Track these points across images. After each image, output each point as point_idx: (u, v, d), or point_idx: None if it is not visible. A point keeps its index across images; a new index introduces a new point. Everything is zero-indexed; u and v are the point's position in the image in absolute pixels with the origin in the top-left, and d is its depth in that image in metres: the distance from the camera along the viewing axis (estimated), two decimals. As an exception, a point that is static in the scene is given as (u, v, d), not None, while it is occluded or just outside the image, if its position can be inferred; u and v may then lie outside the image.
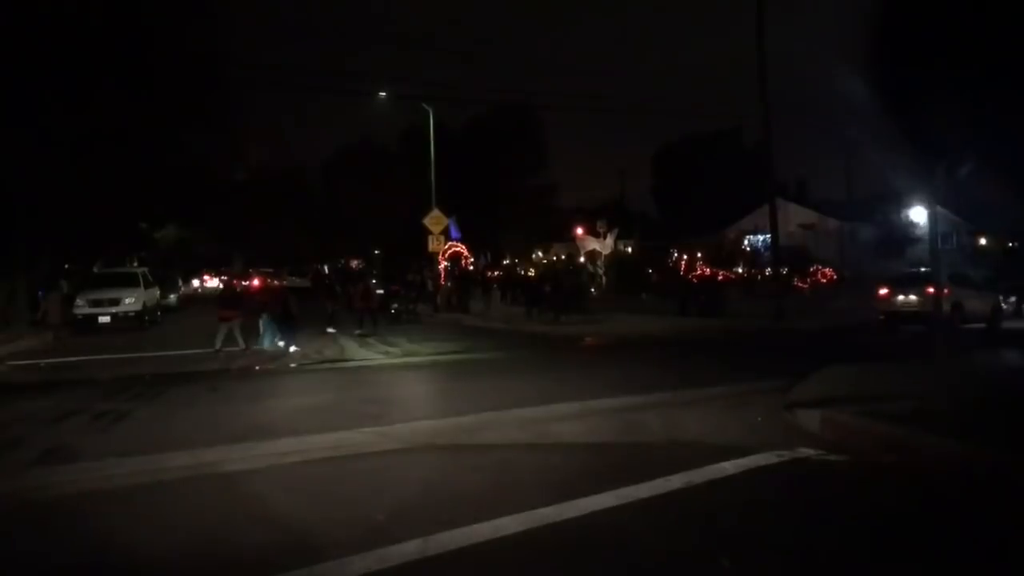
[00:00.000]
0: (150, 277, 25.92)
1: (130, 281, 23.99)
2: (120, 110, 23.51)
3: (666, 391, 10.11)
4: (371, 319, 21.11)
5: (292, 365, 14.46)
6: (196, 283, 42.79)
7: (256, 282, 24.15)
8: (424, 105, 28.72)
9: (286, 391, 10.96)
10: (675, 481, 5.39)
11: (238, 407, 9.46)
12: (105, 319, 22.39)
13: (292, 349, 16.10)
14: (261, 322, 16.79)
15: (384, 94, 27.61)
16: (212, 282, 41.85)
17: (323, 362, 15.23)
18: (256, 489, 5.71)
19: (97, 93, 23.09)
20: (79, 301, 22.55)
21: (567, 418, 8.36)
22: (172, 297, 31.95)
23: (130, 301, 22.81)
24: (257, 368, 14.02)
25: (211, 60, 25.08)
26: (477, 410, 8.78)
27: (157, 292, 26.29)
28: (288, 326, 16.55)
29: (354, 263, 58.10)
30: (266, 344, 16.47)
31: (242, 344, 16.59)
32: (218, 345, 16.17)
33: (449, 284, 28.48)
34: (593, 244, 30.16)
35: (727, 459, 6.03)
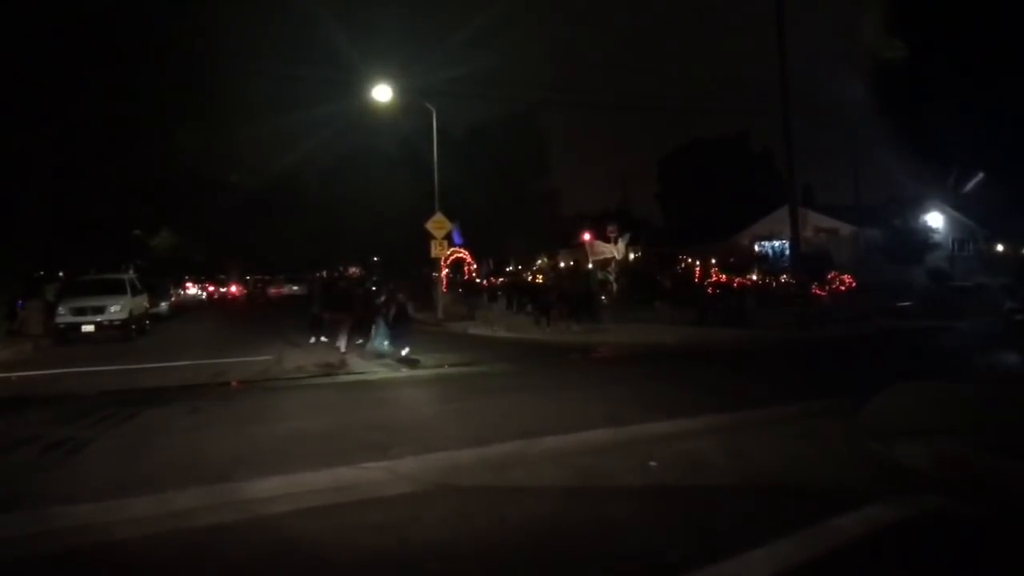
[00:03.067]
0: (138, 283, 24.50)
1: (116, 288, 22.53)
2: (107, 109, 22.25)
3: (714, 413, 8.78)
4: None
5: (403, 371, 14.15)
6: (179, 291, 40.44)
7: (233, 288, 23.14)
8: (427, 104, 27.44)
9: (277, 412, 9.60)
10: (788, 550, 4.06)
11: (221, 434, 8.10)
12: (88, 328, 20.98)
13: (404, 351, 15.89)
14: (374, 325, 16.60)
15: (386, 92, 26.16)
16: (193, 290, 39.65)
17: (320, 375, 13.99)
18: (228, 557, 4.38)
19: (83, 92, 21.83)
20: (60, 309, 21.14)
21: (610, 449, 7.03)
22: (163, 305, 30.52)
23: (116, 309, 21.38)
24: (233, 384, 12.75)
25: (204, 56, 23.82)
26: (500, 438, 7.45)
27: (145, 300, 24.86)
28: (402, 328, 16.42)
29: (352, 270, 56.79)
30: (378, 346, 16.27)
31: (340, 344, 16.36)
32: (343, 348, 16.38)
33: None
34: (603, 249, 28.85)
35: (838, 513, 4.69)
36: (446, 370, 14.58)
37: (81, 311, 21.14)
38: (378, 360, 15.41)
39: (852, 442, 6.91)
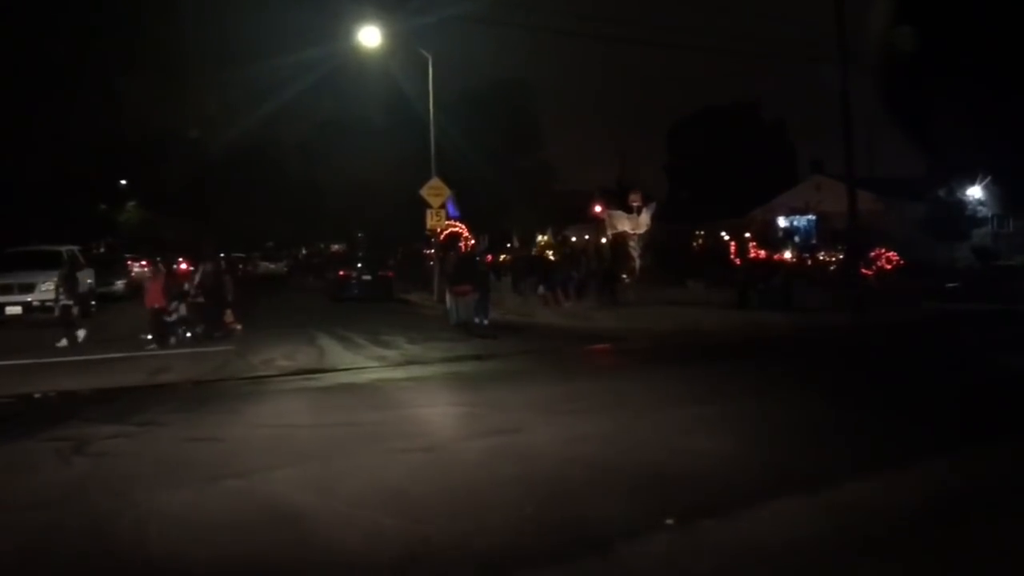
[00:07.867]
0: (80, 257, 20.68)
1: (50, 261, 18.73)
2: (34, 52, 18.39)
3: (943, 454, 5.44)
4: None
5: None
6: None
7: (184, 266, 19.91)
8: (423, 51, 23.58)
9: (216, 452, 6.00)
10: None
11: (94, 516, 4.46)
12: (14, 310, 17.44)
13: (486, 322, 15.68)
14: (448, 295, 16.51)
15: (374, 35, 22.26)
16: (135, 268, 35.97)
17: (294, 374, 10.60)
18: None
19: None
20: (-22, 288, 17.47)
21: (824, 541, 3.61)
22: (119, 284, 26.76)
23: (48, 287, 17.68)
24: (174, 388, 9.29)
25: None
26: (615, 523, 4.04)
27: (91, 277, 21.07)
28: (484, 298, 16.11)
29: (336, 247, 53.45)
30: (463, 316, 15.77)
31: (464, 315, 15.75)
32: (453, 320, 15.96)
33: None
34: (624, 222, 25.28)
35: None
36: (457, 367, 11.19)
37: (5, 289, 17.53)
38: (465, 331, 15.00)
39: None
